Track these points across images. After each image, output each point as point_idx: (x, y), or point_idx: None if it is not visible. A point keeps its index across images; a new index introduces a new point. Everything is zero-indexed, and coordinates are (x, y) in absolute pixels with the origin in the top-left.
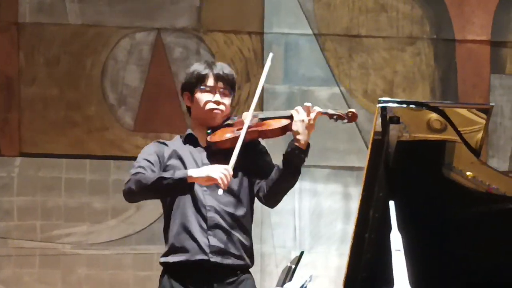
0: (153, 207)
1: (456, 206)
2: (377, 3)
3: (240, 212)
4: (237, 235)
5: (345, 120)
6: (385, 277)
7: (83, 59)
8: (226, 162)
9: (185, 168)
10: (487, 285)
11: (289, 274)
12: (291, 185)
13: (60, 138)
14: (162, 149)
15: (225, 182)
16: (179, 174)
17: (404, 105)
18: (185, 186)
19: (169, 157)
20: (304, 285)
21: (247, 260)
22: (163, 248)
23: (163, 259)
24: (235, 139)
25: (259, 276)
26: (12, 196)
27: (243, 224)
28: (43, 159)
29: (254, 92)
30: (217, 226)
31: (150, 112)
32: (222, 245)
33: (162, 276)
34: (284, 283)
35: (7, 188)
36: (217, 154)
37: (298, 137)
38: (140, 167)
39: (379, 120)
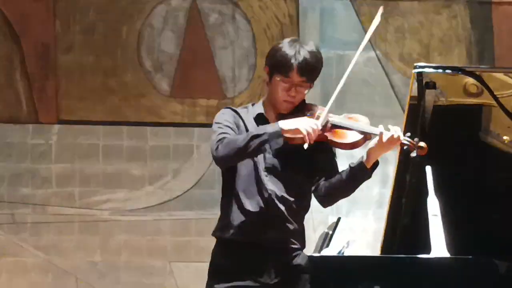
0: (190, 173)
1: (493, 170)
2: None
3: (298, 200)
4: (293, 221)
5: (414, 152)
6: (422, 242)
7: (119, 27)
8: (291, 155)
9: None
10: None
11: (326, 240)
12: (348, 195)
13: (97, 105)
14: (237, 119)
15: (311, 136)
16: (271, 129)
17: (440, 70)
18: (279, 138)
19: (240, 132)
20: (342, 251)
21: (298, 245)
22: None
23: (218, 233)
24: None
25: None
26: (51, 164)
27: (299, 212)
28: (80, 126)
29: None
30: (274, 210)
31: (186, 78)
32: (276, 230)
33: (215, 248)
34: (321, 249)
35: (45, 155)
36: (286, 145)
37: (371, 157)
38: (223, 133)
39: (415, 85)
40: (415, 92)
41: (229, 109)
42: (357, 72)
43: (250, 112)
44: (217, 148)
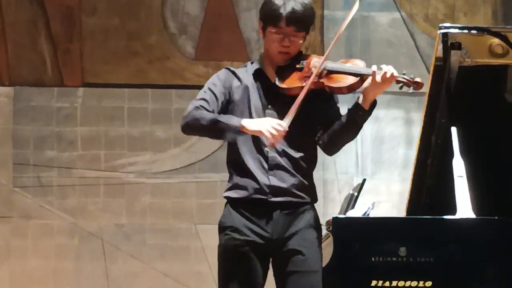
0: None
1: None
2: None
3: (301, 154)
4: (298, 175)
5: (411, 88)
6: (447, 203)
7: None
8: (290, 107)
9: (250, 110)
10: None
11: (351, 201)
12: (351, 138)
13: (122, 68)
14: (231, 80)
15: (277, 139)
16: (233, 122)
17: (466, 31)
18: (237, 133)
19: (237, 91)
20: (367, 213)
21: (307, 198)
22: (226, 177)
23: (226, 194)
24: (302, 88)
25: (322, 203)
26: (76, 126)
27: (304, 166)
28: (105, 89)
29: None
30: (277, 166)
31: (211, 40)
32: (282, 185)
33: (225, 207)
34: (347, 210)
35: (71, 118)
36: (285, 98)
37: (367, 98)
38: (203, 99)
39: (440, 46)
40: (440, 53)
41: (224, 70)
42: (382, 33)
43: (249, 69)
44: (188, 114)
